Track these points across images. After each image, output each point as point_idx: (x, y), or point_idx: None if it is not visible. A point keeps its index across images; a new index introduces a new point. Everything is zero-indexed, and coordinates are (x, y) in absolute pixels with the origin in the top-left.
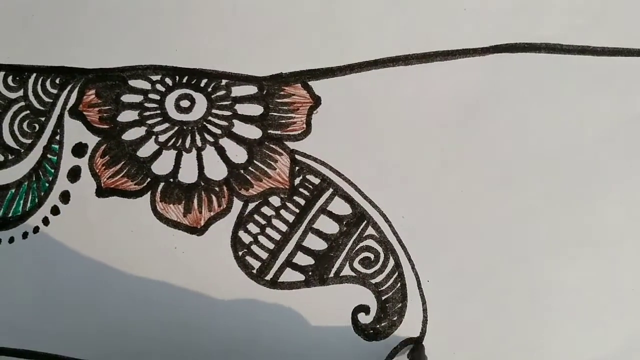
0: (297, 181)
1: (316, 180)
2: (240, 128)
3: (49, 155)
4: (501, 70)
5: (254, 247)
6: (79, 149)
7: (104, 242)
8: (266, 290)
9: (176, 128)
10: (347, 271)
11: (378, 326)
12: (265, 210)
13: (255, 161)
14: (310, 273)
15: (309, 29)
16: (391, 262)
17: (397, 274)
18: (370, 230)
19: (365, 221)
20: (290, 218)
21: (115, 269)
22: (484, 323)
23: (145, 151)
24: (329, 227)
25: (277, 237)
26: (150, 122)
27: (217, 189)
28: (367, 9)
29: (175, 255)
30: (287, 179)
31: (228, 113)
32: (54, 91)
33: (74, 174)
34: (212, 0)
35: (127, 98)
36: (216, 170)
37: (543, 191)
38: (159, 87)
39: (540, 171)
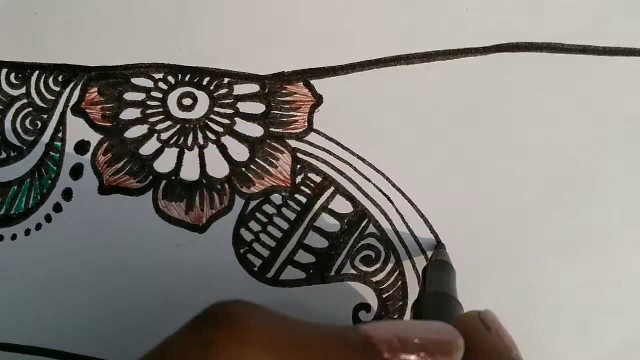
0: (298, 179)
1: (317, 179)
2: (242, 126)
3: (51, 153)
4: (503, 70)
5: (256, 245)
6: (81, 147)
7: (106, 240)
8: (267, 287)
9: (178, 126)
10: (348, 269)
11: None
12: (267, 208)
13: (256, 159)
14: (311, 271)
15: (310, 28)
16: (392, 260)
17: (397, 272)
18: (372, 229)
19: (367, 219)
20: (292, 216)
21: (117, 266)
22: None
23: (147, 149)
24: (331, 225)
25: (279, 234)
26: (152, 120)
27: (218, 186)
28: (369, 8)
29: (176, 253)
30: (288, 177)
31: (230, 111)
32: (57, 89)
33: (76, 172)
34: None
35: (129, 96)
36: (218, 168)
37: (543, 191)
38: (161, 85)
39: (540, 171)
